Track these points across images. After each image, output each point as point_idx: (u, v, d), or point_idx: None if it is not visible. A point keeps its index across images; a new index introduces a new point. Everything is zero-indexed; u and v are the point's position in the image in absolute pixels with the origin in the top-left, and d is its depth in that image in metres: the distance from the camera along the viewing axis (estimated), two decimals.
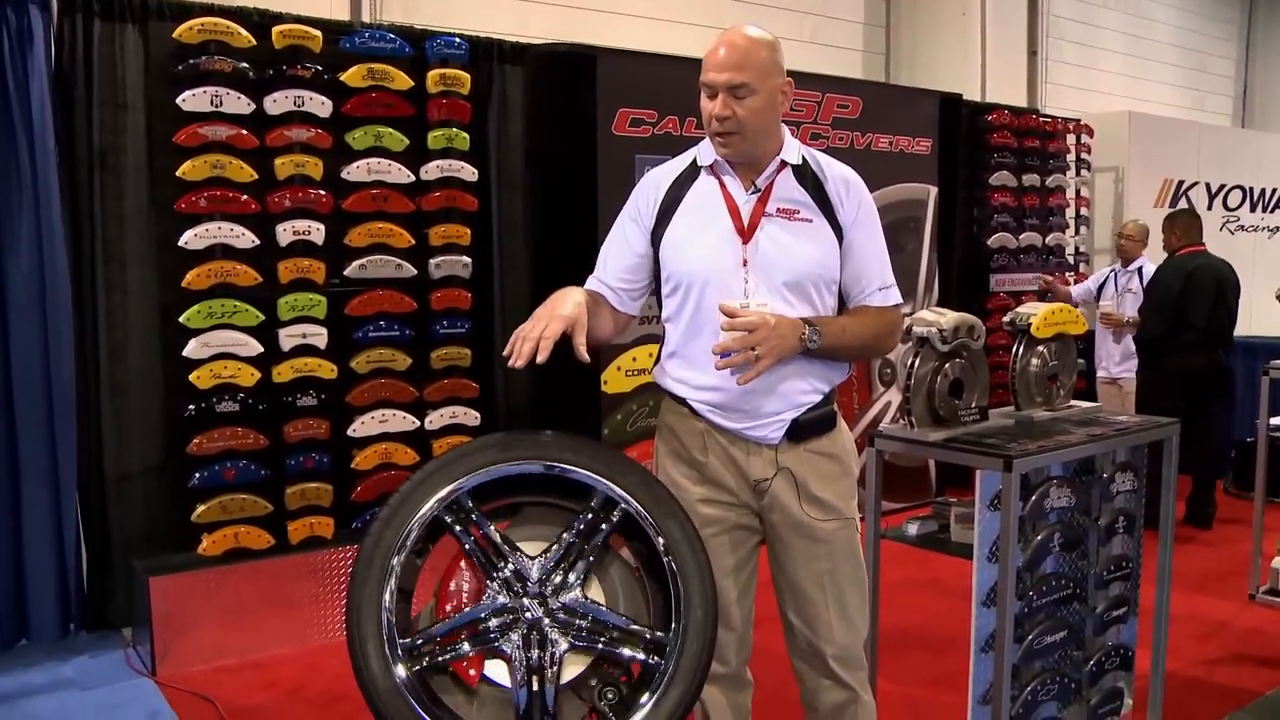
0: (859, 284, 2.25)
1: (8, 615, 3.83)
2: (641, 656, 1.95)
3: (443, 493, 1.92)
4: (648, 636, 1.95)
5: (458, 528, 1.94)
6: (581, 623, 1.93)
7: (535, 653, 1.89)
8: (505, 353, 1.97)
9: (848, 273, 2.24)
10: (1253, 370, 6.22)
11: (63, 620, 3.92)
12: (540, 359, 1.92)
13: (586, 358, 1.97)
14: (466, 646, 1.90)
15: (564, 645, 1.91)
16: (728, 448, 2.20)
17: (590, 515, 1.98)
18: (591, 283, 2.28)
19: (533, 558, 1.96)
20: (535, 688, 1.88)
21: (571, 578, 1.95)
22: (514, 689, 1.89)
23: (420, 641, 1.88)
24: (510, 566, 1.94)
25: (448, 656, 1.89)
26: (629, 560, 2.07)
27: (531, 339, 1.94)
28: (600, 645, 1.94)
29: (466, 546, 1.94)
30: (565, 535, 1.97)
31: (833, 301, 2.25)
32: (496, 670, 1.93)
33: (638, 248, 2.25)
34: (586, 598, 1.96)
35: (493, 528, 1.95)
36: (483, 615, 1.91)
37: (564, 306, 2.01)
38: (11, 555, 3.82)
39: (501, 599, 1.92)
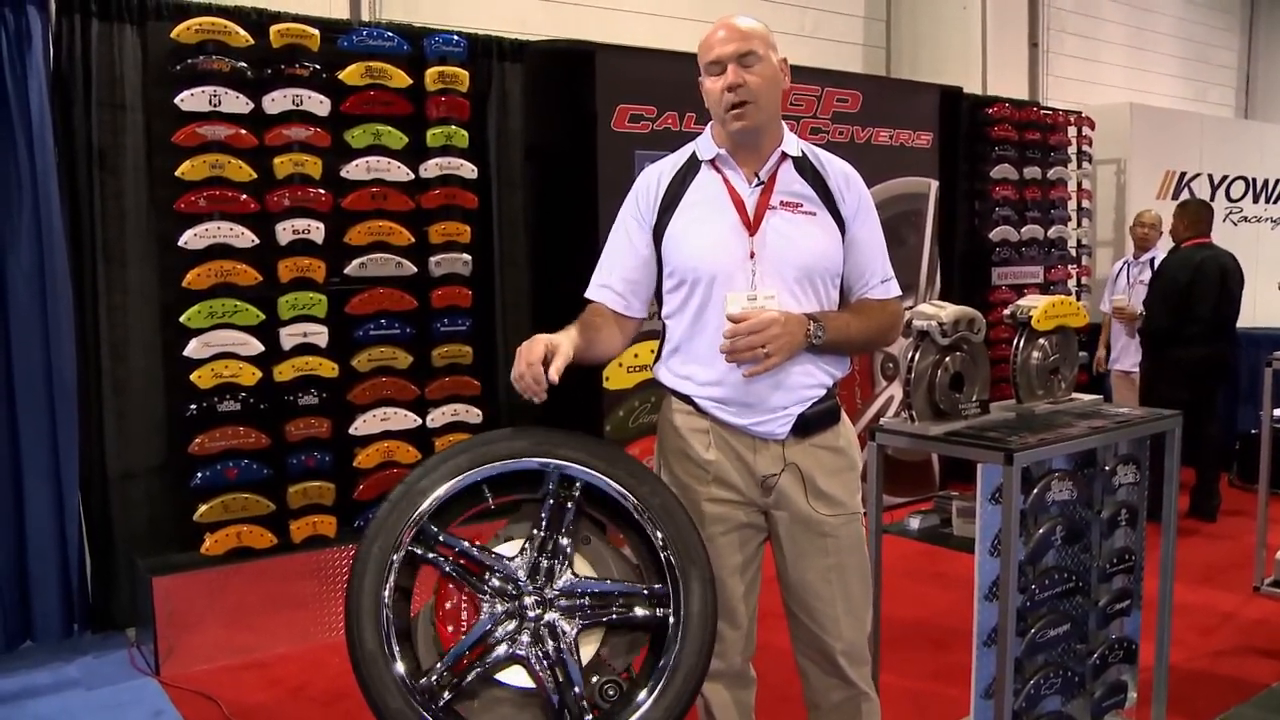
0: (861, 277, 2.25)
1: (12, 616, 3.84)
2: (648, 613, 1.96)
3: (414, 515, 1.90)
4: (646, 592, 1.97)
5: (430, 555, 1.93)
6: (583, 601, 1.94)
7: (550, 645, 1.90)
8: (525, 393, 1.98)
9: (850, 266, 2.24)
10: (1256, 362, 6.20)
11: (66, 620, 3.92)
12: (553, 377, 1.94)
13: (554, 379, 1.95)
14: (484, 667, 1.89)
15: (574, 630, 1.92)
16: (734, 444, 2.19)
17: (551, 500, 1.98)
18: (594, 290, 2.25)
19: (511, 559, 1.96)
20: (560, 679, 1.89)
21: (557, 562, 1.95)
22: (541, 688, 1.89)
23: (436, 679, 1.87)
24: (497, 575, 1.94)
25: (471, 677, 1.88)
26: (600, 524, 2.06)
27: (526, 374, 1.94)
28: (612, 616, 1.96)
29: (447, 570, 1.93)
30: (536, 529, 1.97)
31: (836, 295, 2.25)
32: (506, 674, 1.92)
33: (641, 246, 2.22)
34: (577, 576, 1.97)
35: (466, 543, 1.95)
36: (489, 628, 1.91)
37: (545, 336, 2.01)
38: (15, 555, 3.82)
39: (500, 607, 1.92)
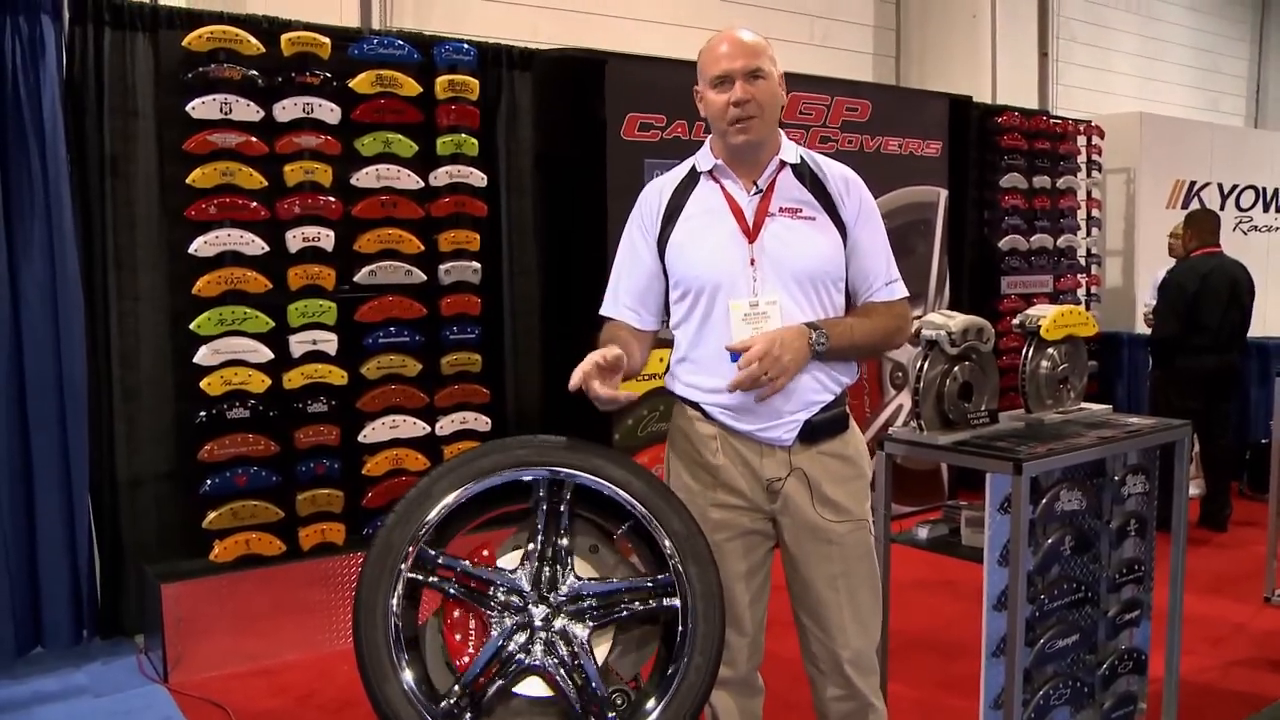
0: (865, 281, 2.26)
1: (22, 622, 3.84)
2: (655, 603, 1.97)
3: (408, 549, 1.90)
4: (650, 584, 1.98)
5: (432, 580, 1.94)
6: (590, 603, 1.95)
7: (564, 650, 1.91)
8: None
9: (854, 270, 2.25)
10: (1266, 371, 6.19)
11: (76, 627, 3.93)
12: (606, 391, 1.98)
13: (600, 395, 1.98)
14: (502, 682, 1.89)
15: (584, 632, 1.93)
16: (741, 450, 2.20)
17: (545, 505, 1.98)
18: (607, 307, 2.29)
19: (513, 571, 1.96)
20: (579, 682, 1.89)
21: (559, 568, 1.96)
22: (561, 697, 1.90)
23: (454, 701, 1.87)
24: (502, 589, 1.94)
25: (491, 692, 1.88)
26: (598, 526, 2.06)
27: (583, 370, 1.98)
28: (618, 614, 1.96)
29: (451, 593, 1.93)
30: (532, 540, 1.97)
31: (840, 299, 2.25)
32: (521, 685, 1.92)
33: (647, 260, 2.25)
34: (580, 579, 1.97)
35: (466, 562, 1.95)
36: (501, 644, 1.91)
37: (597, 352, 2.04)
38: (25, 562, 3.83)
39: (509, 621, 1.92)
